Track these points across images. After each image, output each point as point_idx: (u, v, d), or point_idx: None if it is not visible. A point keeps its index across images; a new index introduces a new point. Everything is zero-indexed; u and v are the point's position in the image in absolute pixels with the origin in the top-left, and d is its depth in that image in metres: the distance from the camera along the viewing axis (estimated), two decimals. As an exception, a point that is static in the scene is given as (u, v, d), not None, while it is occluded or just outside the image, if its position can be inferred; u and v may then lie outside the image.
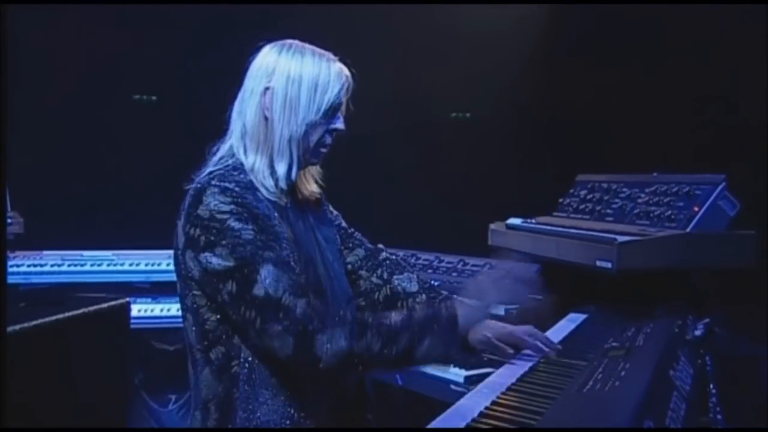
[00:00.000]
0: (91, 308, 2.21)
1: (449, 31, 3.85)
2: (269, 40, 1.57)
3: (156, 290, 3.44)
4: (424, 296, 1.77)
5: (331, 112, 1.53)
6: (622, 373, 1.45)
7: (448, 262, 2.99)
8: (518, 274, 1.65)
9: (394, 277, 1.79)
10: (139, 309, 3.32)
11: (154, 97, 3.99)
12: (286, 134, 1.51)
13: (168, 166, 3.80)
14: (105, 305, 2.28)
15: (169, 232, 3.55)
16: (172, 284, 3.35)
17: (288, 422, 1.48)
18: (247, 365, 1.48)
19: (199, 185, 1.49)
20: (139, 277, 3.42)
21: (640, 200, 2.29)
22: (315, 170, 1.68)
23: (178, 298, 3.28)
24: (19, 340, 2.00)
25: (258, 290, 1.39)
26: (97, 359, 2.31)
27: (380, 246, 1.87)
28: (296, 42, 1.57)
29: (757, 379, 2.27)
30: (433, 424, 1.29)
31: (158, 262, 3.46)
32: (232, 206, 1.43)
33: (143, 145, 3.82)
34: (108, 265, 3.43)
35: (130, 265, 3.44)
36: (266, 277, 1.39)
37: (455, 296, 1.79)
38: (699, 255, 2.03)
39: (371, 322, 1.45)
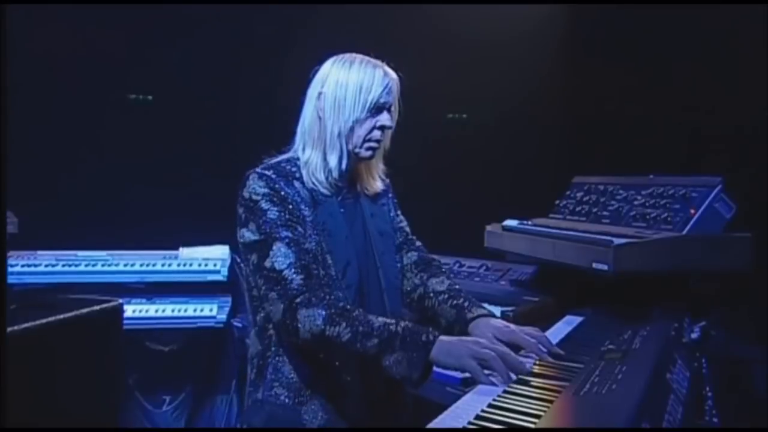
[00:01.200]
0: (83, 311, 2.18)
1: (445, 31, 3.85)
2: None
3: (151, 291, 3.42)
4: (446, 296, 1.89)
5: (375, 109, 1.72)
6: (619, 376, 1.45)
7: (444, 264, 2.96)
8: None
9: (431, 279, 1.94)
10: (134, 309, 3.32)
11: (149, 97, 3.97)
12: (336, 130, 1.72)
13: (163, 166, 3.83)
14: (97, 308, 2.24)
15: (163, 232, 3.56)
16: (166, 285, 3.42)
17: (308, 382, 1.69)
18: (277, 329, 1.70)
19: (248, 171, 1.73)
20: (134, 277, 3.40)
21: (636, 202, 2.29)
22: (379, 168, 1.89)
23: (172, 299, 3.36)
24: (8, 344, 1.97)
25: (268, 262, 1.62)
26: (89, 363, 2.27)
27: (433, 257, 2.04)
28: (350, 54, 1.78)
29: (753, 381, 2.28)
30: (430, 426, 1.28)
31: (153, 263, 3.45)
32: (266, 189, 1.68)
33: (138, 145, 3.80)
34: (102, 265, 3.40)
35: (125, 265, 3.42)
36: (276, 253, 1.62)
37: (476, 301, 1.87)
38: (695, 257, 2.03)
39: (350, 315, 1.58)
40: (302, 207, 1.70)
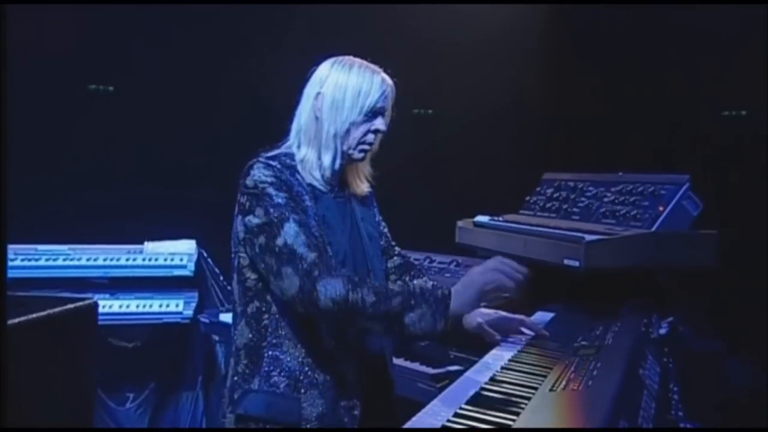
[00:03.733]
0: (57, 309, 2.11)
1: (409, 26, 3.84)
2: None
3: (114, 286, 3.36)
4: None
5: (371, 114, 1.78)
6: (594, 372, 1.46)
7: (415, 260, 2.96)
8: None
9: (415, 280, 2.01)
10: (97, 305, 3.25)
11: (110, 88, 3.88)
12: (332, 131, 1.76)
13: (125, 157, 3.74)
14: (71, 306, 2.17)
15: (126, 225, 3.48)
16: (131, 280, 3.36)
17: (307, 370, 1.72)
18: (275, 318, 1.74)
19: (251, 162, 1.76)
20: (97, 272, 3.34)
21: (606, 199, 2.31)
22: (366, 170, 1.91)
23: (136, 294, 3.30)
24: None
25: (279, 241, 1.65)
26: (63, 363, 2.20)
27: (411, 260, 2.11)
28: (349, 57, 1.83)
29: (718, 375, 2.33)
30: (408, 425, 1.27)
31: (117, 257, 3.39)
32: (272, 178, 1.71)
33: (99, 136, 3.72)
34: (64, 259, 3.34)
35: (88, 260, 3.35)
36: (287, 231, 1.65)
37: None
38: (664, 254, 2.06)
39: (368, 281, 1.66)
40: (305, 198, 1.74)
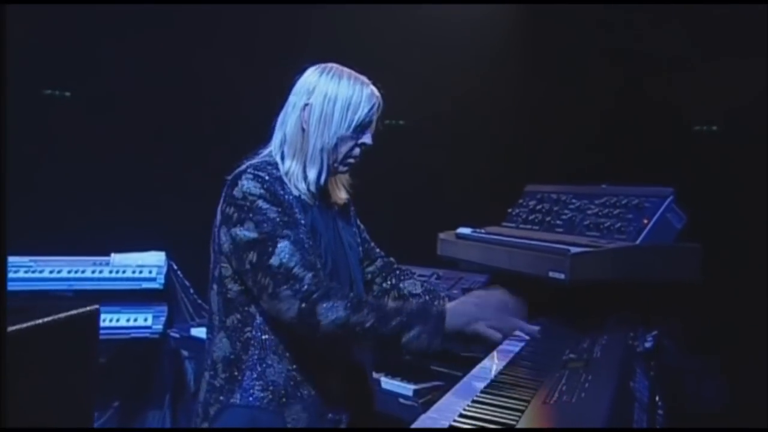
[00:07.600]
0: (61, 315, 2.05)
1: (385, 36, 3.81)
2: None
3: (80, 299, 3.23)
4: (427, 297, 1.94)
5: (360, 128, 1.75)
6: (586, 385, 1.44)
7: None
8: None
9: (402, 282, 1.98)
10: (62, 319, 3.12)
11: (67, 93, 3.77)
12: (319, 144, 1.73)
13: (82, 164, 3.62)
14: (74, 312, 2.12)
15: (86, 236, 3.35)
16: (97, 293, 3.23)
17: (291, 384, 1.68)
18: (259, 331, 1.70)
19: (238, 172, 1.71)
20: (61, 285, 3.22)
21: (589, 212, 2.30)
22: (345, 179, 1.89)
23: (103, 308, 3.17)
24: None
25: (274, 260, 1.61)
26: (65, 369, 2.14)
27: (392, 259, 2.06)
28: (336, 65, 1.79)
29: (700, 390, 2.31)
30: None
31: (82, 269, 3.27)
32: (262, 191, 1.67)
33: (56, 143, 3.60)
34: (25, 272, 3.22)
35: (51, 272, 3.24)
36: (282, 250, 1.61)
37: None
38: (648, 267, 2.06)
39: (367, 302, 1.62)
40: (296, 210, 1.70)
